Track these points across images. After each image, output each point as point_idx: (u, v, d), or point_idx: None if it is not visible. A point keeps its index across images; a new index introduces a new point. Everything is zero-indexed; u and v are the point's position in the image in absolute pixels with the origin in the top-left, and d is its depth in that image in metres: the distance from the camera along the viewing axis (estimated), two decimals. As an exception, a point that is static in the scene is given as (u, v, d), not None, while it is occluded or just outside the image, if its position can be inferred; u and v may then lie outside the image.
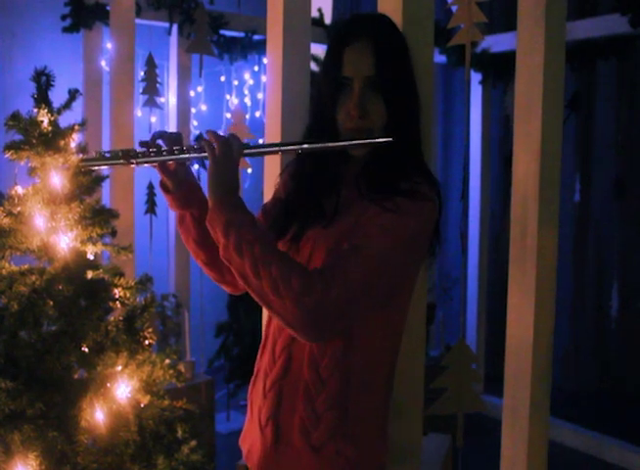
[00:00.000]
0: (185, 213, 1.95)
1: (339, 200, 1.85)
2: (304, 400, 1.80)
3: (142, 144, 1.86)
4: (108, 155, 1.88)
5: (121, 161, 1.83)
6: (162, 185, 1.94)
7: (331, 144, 1.79)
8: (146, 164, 1.85)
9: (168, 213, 5.43)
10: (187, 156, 1.81)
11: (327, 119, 1.85)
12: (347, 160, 1.90)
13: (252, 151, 1.81)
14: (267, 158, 2.56)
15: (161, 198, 4.83)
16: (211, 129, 1.80)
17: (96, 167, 1.96)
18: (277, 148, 1.83)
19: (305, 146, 1.79)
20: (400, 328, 1.90)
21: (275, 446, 1.84)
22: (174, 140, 1.85)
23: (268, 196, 2.51)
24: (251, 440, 1.93)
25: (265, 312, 2.27)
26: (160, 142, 1.86)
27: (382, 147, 1.80)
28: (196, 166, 4.72)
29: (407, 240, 1.73)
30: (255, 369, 1.99)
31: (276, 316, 1.70)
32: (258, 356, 1.99)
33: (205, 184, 1.77)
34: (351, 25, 1.86)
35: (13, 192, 2.53)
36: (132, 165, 1.85)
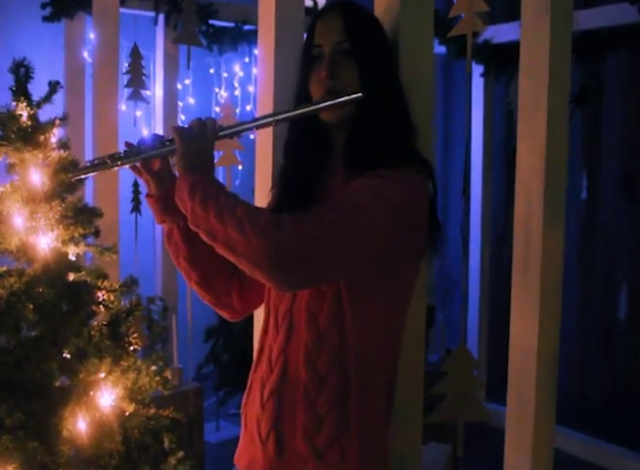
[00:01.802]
0: (172, 228, 1.99)
1: (323, 189, 1.90)
2: (305, 404, 1.81)
3: (127, 144, 1.95)
4: (96, 161, 2.00)
5: (108, 163, 1.94)
6: (147, 195, 2.01)
7: (303, 109, 1.87)
8: (127, 166, 1.97)
9: (155, 212, 5.42)
10: (169, 148, 1.89)
11: (302, 92, 1.94)
12: (330, 149, 1.96)
13: (228, 131, 1.89)
14: (259, 154, 2.56)
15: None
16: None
17: (85, 176, 2.14)
18: (252, 124, 1.90)
19: (280, 116, 1.89)
20: (399, 326, 1.92)
21: (279, 458, 1.85)
22: (155, 139, 1.93)
23: (259, 192, 2.50)
24: (250, 455, 1.93)
25: (257, 318, 2.27)
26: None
27: (362, 120, 1.86)
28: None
29: (392, 207, 1.75)
30: (249, 382, 2.00)
31: (242, 261, 1.70)
32: (252, 370, 2.00)
33: None
34: (324, 6, 1.99)
35: (-10, 190, 2.52)
36: (118, 167, 1.97)
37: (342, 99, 1.83)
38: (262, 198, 2.37)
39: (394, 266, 1.83)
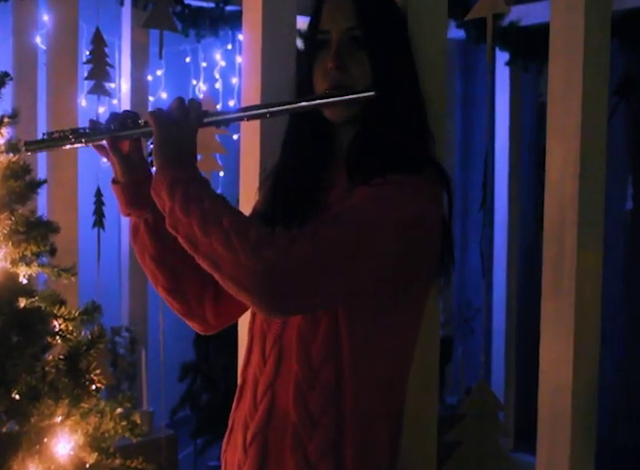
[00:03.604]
0: (139, 223, 1.99)
1: (324, 201, 1.91)
2: (294, 449, 1.82)
3: (92, 122, 1.94)
4: (55, 135, 1.96)
5: (71, 140, 1.92)
6: (113, 180, 1.98)
7: (302, 103, 1.88)
8: (92, 145, 1.96)
9: (120, 227, 5.42)
10: (143, 129, 1.90)
11: (304, 83, 1.96)
12: (333, 155, 1.97)
13: (214, 118, 1.91)
14: (244, 158, 2.57)
15: (112, 208, 4.83)
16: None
17: (40, 151, 2.10)
18: (242, 113, 1.91)
19: (275, 108, 1.89)
20: (405, 360, 1.93)
21: None
22: (129, 117, 1.93)
23: (244, 202, 2.51)
24: None
25: (242, 350, 2.27)
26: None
27: (370, 122, 1.88)
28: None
29: (401, 221, 1.77)
30: (230, 422, 2.00)
31: (227, 281, 1.71)
32: (233, 407, 2.00)
33: None
34: None
35: None
36: (81, 145, 1.94)
37: (349, 96, 1.85)
38: (247, 210, 2.38)
39: (400, 290, 1.85)
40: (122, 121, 1.90)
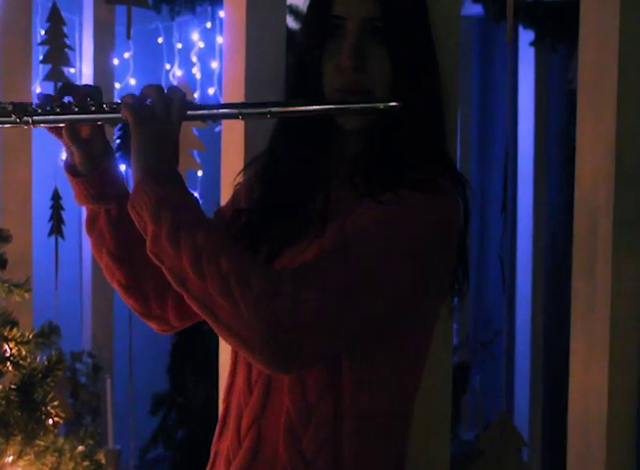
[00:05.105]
0: (98, 212, 1.94)
1: (328, 205, 1.88)
2: None
3: (42, 98, 1.82)
4: None
5: (12, 118, 1.79)
6: (68, 166, 1.91)
7: (312, 107, 1.84)
8: (46, 125, 1.83)
9: (82, 235, 5.41)
10: (107, 115, 1.80)
11: (310, 77, 1.89)
12: (337, 148, 1.95)
13: (200, 112, 1.84)
14: (225, 156, 2.57)
15: (72, 214, 4.82)
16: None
17: None
18: (236, 110, 1.84)
19: (277, 109, 1.82)
20: (410, 391, 1.93)
21: None
22: (90, 95, 1.83)
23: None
24: None
25: (223, 374, 2.28)
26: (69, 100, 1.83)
27: (385, 124, 1.85)
28: (123, 167, 4.72)
29: (412, 249, 1.75)
30: (212, 453, 2.00)
31: (226, 333, 1.69)
32: (216, 436, 2.00)
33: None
34: None
35: None
36: (27, 126, 1.81)
37: (369, 105, 1.82)
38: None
39: (411, 319, 1.84)
40: (82, 101, 1.80)
